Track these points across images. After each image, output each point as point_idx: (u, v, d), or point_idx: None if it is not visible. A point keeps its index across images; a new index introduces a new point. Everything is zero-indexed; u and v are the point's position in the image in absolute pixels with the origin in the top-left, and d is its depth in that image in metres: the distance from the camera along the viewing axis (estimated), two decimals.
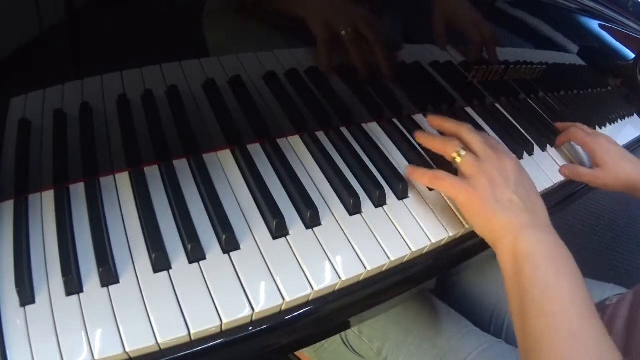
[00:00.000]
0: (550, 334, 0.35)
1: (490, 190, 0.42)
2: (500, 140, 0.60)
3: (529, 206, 0.43)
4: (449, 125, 0.50)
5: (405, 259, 0.43)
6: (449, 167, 0.47)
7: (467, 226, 0.47)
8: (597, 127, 0.82)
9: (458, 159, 0.45)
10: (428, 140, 0.50)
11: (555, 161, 0.65)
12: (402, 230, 0.43)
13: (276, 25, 0.44)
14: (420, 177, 0.46)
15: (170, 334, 0.32)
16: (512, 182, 0.44)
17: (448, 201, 0.48)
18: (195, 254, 0.37)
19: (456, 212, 0.47)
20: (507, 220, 0.41)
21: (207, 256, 0.37)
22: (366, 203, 0.45)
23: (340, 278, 0.38)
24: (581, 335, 0.34)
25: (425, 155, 0.52)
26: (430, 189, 0.49)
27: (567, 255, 0.40)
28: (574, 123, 0.68)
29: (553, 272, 0.38)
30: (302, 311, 0.38)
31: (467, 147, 0.46)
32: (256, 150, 0.46)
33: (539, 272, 0.38)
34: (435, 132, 0.54)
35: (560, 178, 0.61)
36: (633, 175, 0.59)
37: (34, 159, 0.37)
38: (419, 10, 0.53)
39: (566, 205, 0.65)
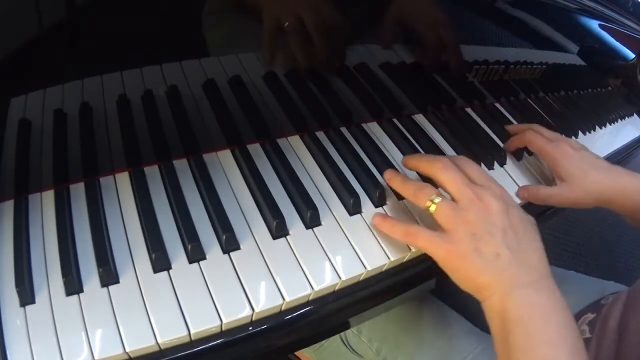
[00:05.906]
0: None
1: (472, 245, 0.36)
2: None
3: (519, 258, 0.37)
4: (423, 165, 0.43)
5: (405, 259, 0.43)
6: None
7: None
8: (597, 127, 0.82)
9: (432, 208, 0.39)
10: (398, 185, 0.43)
11: None
12: None
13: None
14: (390, 230, 0.40)
15: (170, 334, 0.32)
16: (499, 229, 0.37)
17: None
18: (195, 254, 0.37)
19: None
20: (491, 278, 0.36)
21: (207, 256, 0.37)
22: (366, 203, 0.45)
23: (340, 278, 0.38)
24: None
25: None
26: None
27: (562, 313, 0.35)
28: (530, 125, 0.57)
29: (545, 340, 0.34)
30: (302, 311, 0.38)
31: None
32: (256, 150, 0.46)
33: (531, 341, 0.34)
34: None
35: None
36: (605, 186, 0.49)
37: (34, 159, 0.37)
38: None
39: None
